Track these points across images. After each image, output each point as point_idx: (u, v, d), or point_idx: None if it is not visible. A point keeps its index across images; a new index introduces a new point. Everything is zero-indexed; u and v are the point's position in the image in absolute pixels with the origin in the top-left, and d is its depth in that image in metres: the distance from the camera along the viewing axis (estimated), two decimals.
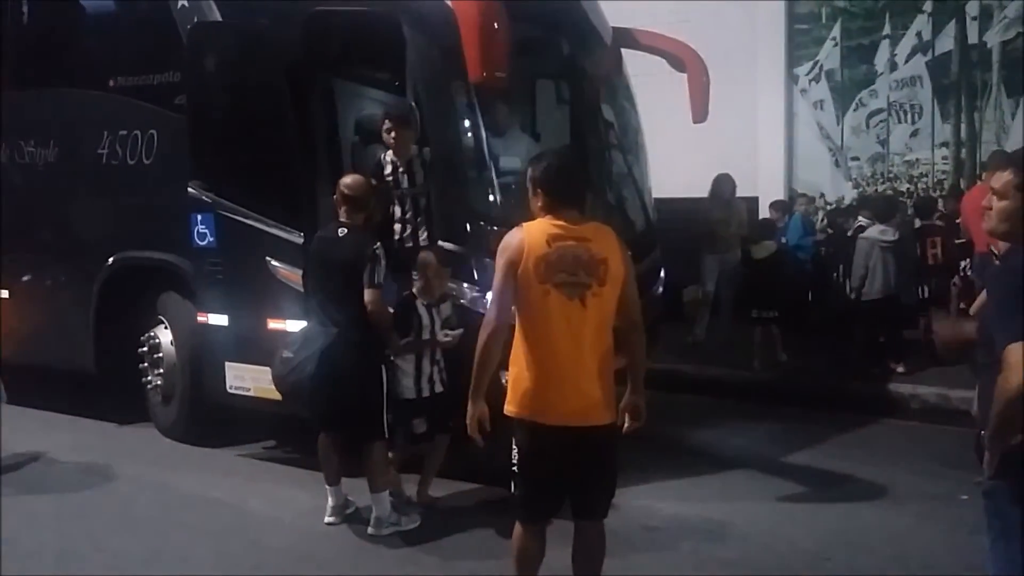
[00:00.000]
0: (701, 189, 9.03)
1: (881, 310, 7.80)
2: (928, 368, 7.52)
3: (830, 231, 9.45)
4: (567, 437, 3.43)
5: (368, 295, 4.72)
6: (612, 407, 3.53)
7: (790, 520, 5.12)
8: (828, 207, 10.35)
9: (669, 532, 4.91)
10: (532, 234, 3.45)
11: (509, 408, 3.51)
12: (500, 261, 3.46)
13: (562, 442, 3.44)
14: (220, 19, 6.10)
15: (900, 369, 7.68)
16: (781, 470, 5.95)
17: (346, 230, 4.85)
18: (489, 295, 5.08)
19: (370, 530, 4.87)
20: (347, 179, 4.99)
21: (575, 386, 3.43)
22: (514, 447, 3.54)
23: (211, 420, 6.38)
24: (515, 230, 3.51)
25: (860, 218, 8.38)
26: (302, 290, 5.31)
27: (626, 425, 3.58)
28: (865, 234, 7.91)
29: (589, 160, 6.50)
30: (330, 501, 5.04)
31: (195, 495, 5.56)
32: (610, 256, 3.46)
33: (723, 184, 8.84)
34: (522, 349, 3.47)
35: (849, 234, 8.33)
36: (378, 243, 4.80)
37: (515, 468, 3.54)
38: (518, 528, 3.63)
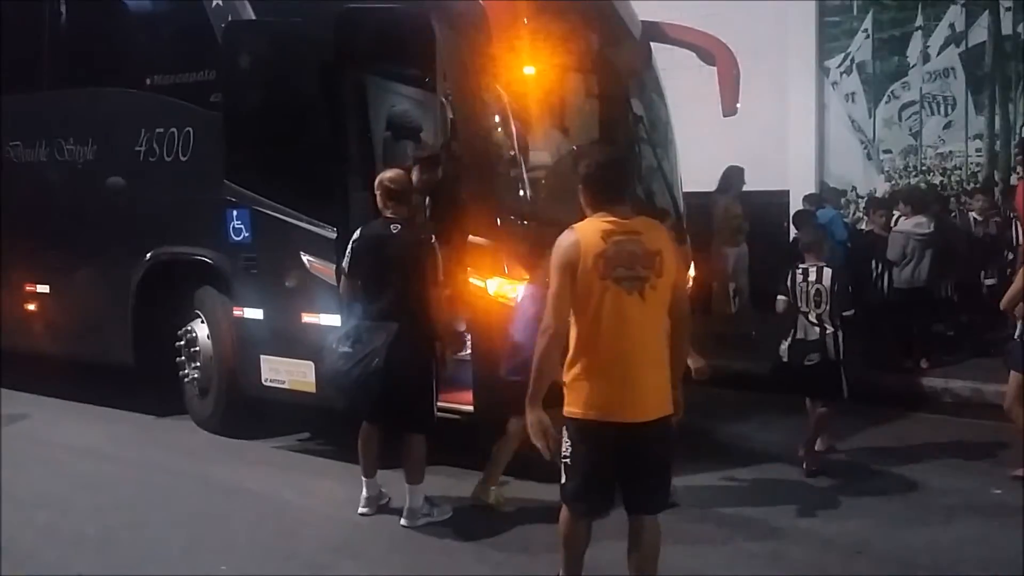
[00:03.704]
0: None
1: (912, 303, 7.74)
2: (963, 361, 7.46)
3: (865, 227, 9.29)
4: (629, 432, 3.42)
5: (435, 294, 4.81)
6: (668, 400, 3.52)
7: (821, 514, 5.12)
8: (859, 200, 10.26)
9: (700, 526, 4.92)
10: (586, 233, 3.44)
11: (572, 410, 3.47)
12: (556, 263, 3.42)
13: (623, 438, 3.42)
14: (254, 17, 6.18)
15: (924, 364, 7.62)
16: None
17: (399, 226, 4.89)
18: (520, 288, 5.19)
19: (403, 521, 4.93)
20: (388, 173, 5.04)
21: (639, 381, 3.43)
22: (566, 440, 3.50)
23: (246, 413, 6.49)
24: (567, 232, 3.47)
25: (896, 212, 8.31)
26: (335, 283, 5.39)
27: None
28: (899, 227, 7.85)
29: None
30: (364, 492, 5.10)
31: (231, 486, 5.66)
32: (663, 248, 3.47)
33: (733, 176, 8.82)
34: (582, 348, 3.44)
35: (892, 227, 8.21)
36: (433, 237, 4.85)
37: (566, 460, 3.50)
38: (565, 513, 3.63)
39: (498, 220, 5.47)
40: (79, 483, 5.75)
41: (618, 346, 3.40)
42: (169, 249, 6.71)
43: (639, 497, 3.56)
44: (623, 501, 3.59)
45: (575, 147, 6.49)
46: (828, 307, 5.64)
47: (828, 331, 5.63)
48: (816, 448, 5.88)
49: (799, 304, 5.74)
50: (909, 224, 7.78)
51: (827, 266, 5.79)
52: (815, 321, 5.68)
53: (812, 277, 5.72)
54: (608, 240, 3.40)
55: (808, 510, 5.17)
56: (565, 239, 3.46)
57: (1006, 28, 9.51)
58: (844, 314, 5.66)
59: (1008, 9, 9.49)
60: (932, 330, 7.92)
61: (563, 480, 3.56)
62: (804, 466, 5.70)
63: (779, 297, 5.83)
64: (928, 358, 7.69)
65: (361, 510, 5.09)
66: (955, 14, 9.75)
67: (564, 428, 3.52)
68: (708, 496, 5.33)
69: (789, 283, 5.78)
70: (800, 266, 5.83)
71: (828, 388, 5.76)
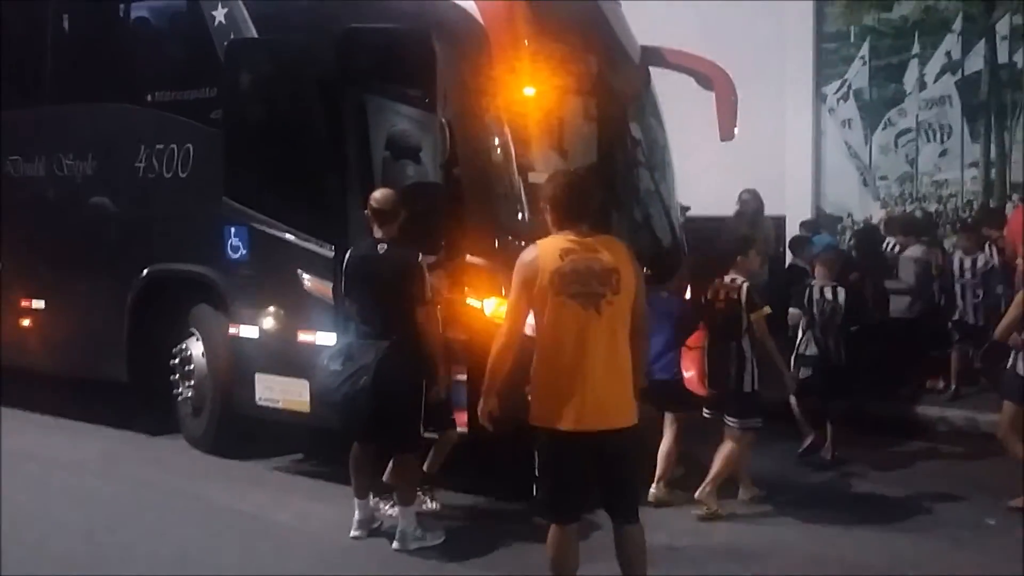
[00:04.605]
0: (728, 207, 9.02)
1: (920, 329, 7.72)
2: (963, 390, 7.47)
3: (855, 251, 9.31)
4: (587, 441, 3.61)
5: (421, 313, 4.81)
6: (631, 411, 3.70)
7: (817, 542, 5.10)
8: (856, 226, 10.30)
9: (694, 552, 4.90)
10: (545, 251, 3.67)
11: (532, 419, 3.70)
12: (515, 279, 3.69)
13: (582, 446, 3.62)
14: (256, 36, 6.20)
15: (941, 386, 7.61)
16: (807, 491, 5.92)
17: (386, 246, 4.91)
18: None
19: (395, 545, 4.90)
20: (376, 193, 5.06)
21: (593, 391, 3.61)
22: (536, 454, 3.72)
23: (240, 432, 6.45)
24: (530, 248, 3.73)
25: (891, 240, 8.33)
26: (332, 303, 5.38)
27: None
28: (908, 253, 7.85)
29: (616, 177, 6.54)
30: (357, 515, 5.07)
31: (223, 506, 5.62)
32: (621, 266, 3.66)
33: (749, 201, 8.83)
34: (542, 361, 3.67)
35: (894, 252, 8.21)
36: (420, 256, 4.86)
37: (537, 472, 3.74)
38: (551, 531, 3.76)
39: (496, 241, 5.47)
40: (70, 501, 5.71)
41: (575, 359, 3.60)
42: (166, 266, 6.69)
43: (612, 504, 3.77)
44: (605, 509, 3.79)
45: (572, 169, 6.53)
46: (838, 322, 6.15)
47: (830, 346, 6.15)
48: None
49: (814, 319, 6.27)
50: (918, 250, 7.78)
51: (840, 285, 6.29)
52: (819, 336, 6.22)
53: (829, 295, 6.28)
54: (565, 258, 3.62)
55: (803, 538, 5.14)
56: (526, 256, 3.70)
57: (1002, 57, 9.58)
58: (851, 330, 6.15)
59: (1004, 38, 9.55)
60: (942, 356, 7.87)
61: (537, 493, 3.80)
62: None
63: (792, 311, 6.27)
64: (941, 379, 7.67)
65: (353, 533, 5.06)
66: (951, 43, 9.81)
67: (535, 445, 3.73)
68: (703, 522, 5.30)
69: (806, 299, 6.32)
70: (815, 283, 6.37)
71: (832, 393, 6.27)
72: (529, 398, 3.75)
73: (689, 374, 5.41)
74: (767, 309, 5.49)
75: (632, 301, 3.68)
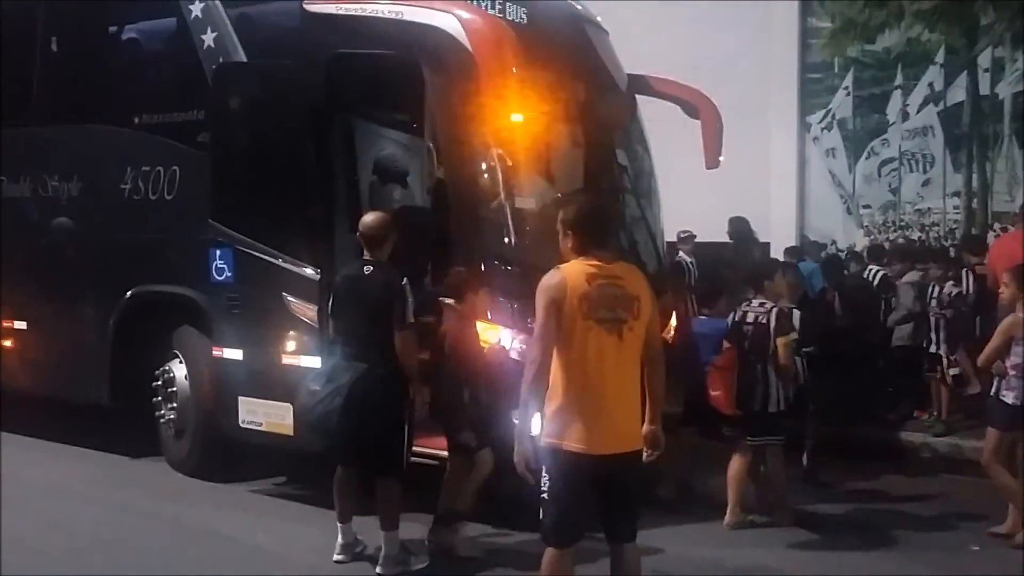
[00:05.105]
0: (713, 234, 9.10)
1: (911, 357, 7.74)
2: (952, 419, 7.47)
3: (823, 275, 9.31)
4: (603, 464, 3.60)
5: (399, 337, 4.78)
6: (639, 434, 3.74)
7: (799, 566, 5.10)
8: (841, 254, 10.37)
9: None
10: (571, 274, 3.64)
11: (551, 440, 3.65)
12: (542, 301, 3.62)
13: (597, 469, 3.60)
14: (245, 60, 6.23)
15: (927, 416, 7.61)
16: (793, 517, 5.91)
17: (371, 267, 4.91)
18: (503, 332, 5.20)
19: (379, 569, 4.85)
20: (367, 218, 5.06)
21: (614, 415, 3.63)
22: (544, 475, 3.67)
23: (222, 455, 6.40)
24: (553, 272, 3.67)
25: (873, 267, 8.37)
26: (317, 326, 5.36)
27: (646, 454, 3.78)
28: (906, 279, 7.89)
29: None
30: (340, 539, 5.03)
31: (205, 530, 5.57)
32: (641, 294, 3.70)
33: (740, 226, 8.92)
34: (562, 383, 3.63)
35: (887, 279, 8.22)
36: (404, 279, 4.85)
37: (544, 495, 3.68)
38: (547, 554, 3.73)
39: (482, 265, 5.48)
40: (50, 524, 5.63)
41: (596, 382, 3.61)
42: (150, 287, 6.66)
43: (614, 526, 3.74)
44: (604, 531, 3.76)
45: (559, 195, 6.56)
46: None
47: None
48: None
49: None
50: (915, 276, 7.83)
51: (796, 307, 6.10)
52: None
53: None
54: (592, 283, 3.60)
55: (788, 564, 5.14)
56: (551, 279, 3.65)
57: (984, 88, 9.73)
58: (805, 351, 5.98)
59: (986, 70, 9.72)
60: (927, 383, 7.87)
61: (542, 515, 3.71)
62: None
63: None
64: (928, 411, 7.64)
65: (336, 557, 5.02)
66: (934, 74, 9.97)
67: (543, 465, 3.67)
68: (687, 547, 5.28)
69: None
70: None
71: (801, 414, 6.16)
72: (544, 418, 3.69)
73: (716, 393, 5.60)
74: (794, 334, 5.67)
75: (648, 328, 3.72)
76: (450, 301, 5.07)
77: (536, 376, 3.61)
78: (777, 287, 5.88)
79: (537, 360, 3.62)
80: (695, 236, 9.20)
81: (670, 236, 7.57)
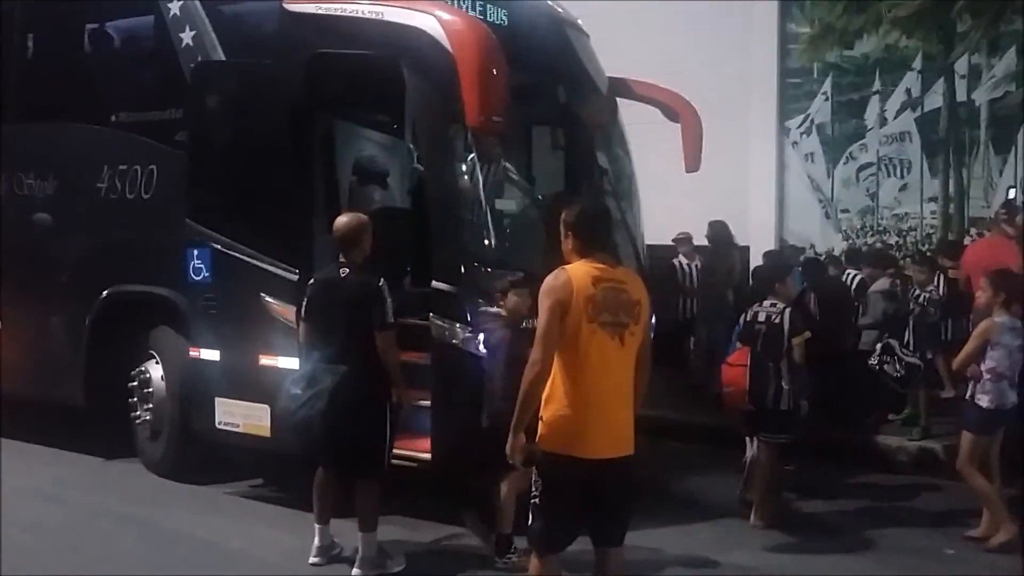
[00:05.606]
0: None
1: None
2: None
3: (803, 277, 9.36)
4: (600, 468, 3.57)
5: (380, 338, 4.76)
6: (633, 438, 3.70)
7: (775, 569, 5.12)
8: (819, 257, 10.43)
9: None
10: (577, 276, 3.59)
11: (545, 444, 3.60)
12: (547, 302, 3.55)
13: (594, 473, 3.57)
14: (223, 58, 6.19)
15: (898, 418, 7.65)
16: (773, 515, 5.93)
17: (348, 270, 4.88)
18: (481, 336, 5.19)
19: (355, 571, 4.83)
20: (342, 219, 5.04)
21: (615, 419, 3.62)
22: (536, 480, 3.63)
23: (199, 456, 6.35)
24: (558, 271, 3.63)
25: (851, 271, 8.41)
26: (296, 327, 5.32)
27: None
28: (875, 287, 7.94)
29: None
30: (316, 541, 5.00)
31: (180, 532, 5.52)
32: (641, 299, 3.70)
33: (720, 230, 8.95)
34: (562, 386, 3.58)
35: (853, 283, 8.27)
36: (382, 281, 4.83)
37: (536, 500, 3.64)
38: (534, 561, 3.70)
39: (462, 266, 5.47)
40: (23, 527, 5.56)
41: (598, 386, 3.57)
42: (126, 287, 6.60)
43: (605, 530, 3.70)
44: (589, 535, 3.71)
45: (540, 196, 6.57)
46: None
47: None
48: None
49: None
50: (886, 283, 7.88)
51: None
52: None
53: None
54: (598, 286, 3.58)
55: (765, 567, 5.15)
56: (557, 278, 3.60)
57: (961, 95, 9.80)
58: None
59: (963, 76, 9.78)
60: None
61: (531, 521, 3.68)
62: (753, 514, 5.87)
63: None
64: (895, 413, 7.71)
65: (312, 559, 4.99)
66: (912, 80, 10.03)
67: (535, 470, 3.64)
68: (665, 550, 5.29)
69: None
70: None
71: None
72: (541, 421, 3.63)
73: (729, 389, 5.85)
74: (807, 334, 5.83)
75: (645, 333, 3.71)
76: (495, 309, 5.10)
77: (538, 377, 3.55)
78: (787, 289, 6.12)
79: (540, 361, 3.54)
80: (692, 238, 9.24)
81: (655, 240, 7.57)
